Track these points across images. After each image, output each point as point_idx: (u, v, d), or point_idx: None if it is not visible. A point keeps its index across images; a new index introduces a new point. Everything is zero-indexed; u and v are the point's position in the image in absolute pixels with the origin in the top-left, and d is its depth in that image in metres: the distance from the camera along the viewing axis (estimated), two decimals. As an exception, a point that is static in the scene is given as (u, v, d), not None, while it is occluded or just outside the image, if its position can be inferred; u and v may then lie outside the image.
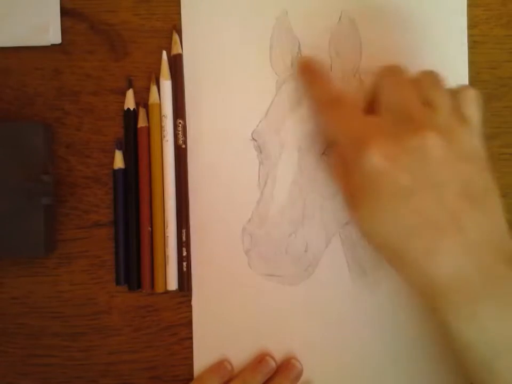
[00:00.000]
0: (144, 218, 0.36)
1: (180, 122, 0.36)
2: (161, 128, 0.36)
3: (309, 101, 0.36)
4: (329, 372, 0.37)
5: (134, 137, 0.36)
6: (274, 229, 0.36)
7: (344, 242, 0.37)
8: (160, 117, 0.36)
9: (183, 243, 0.36)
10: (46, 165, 0.35)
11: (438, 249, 0.28)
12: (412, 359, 0.36)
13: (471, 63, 0.37)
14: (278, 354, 0.37)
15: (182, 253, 0.36)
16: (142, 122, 0.36)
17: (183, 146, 0.36)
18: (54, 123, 0.37)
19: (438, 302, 0.29)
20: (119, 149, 0.36)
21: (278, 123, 0.36)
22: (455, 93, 0.31)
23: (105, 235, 0.37)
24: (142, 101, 0.36)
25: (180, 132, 0.36)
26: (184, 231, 0.36)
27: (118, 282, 0.36)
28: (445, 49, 0.37)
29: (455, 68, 0.37)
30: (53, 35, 0.36)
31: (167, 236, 0.36)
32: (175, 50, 0.36)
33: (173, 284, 0.36)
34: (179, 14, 0.36)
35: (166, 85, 0.36)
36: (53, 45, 0.36)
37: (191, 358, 0.37)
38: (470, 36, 0.37)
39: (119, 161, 0.36)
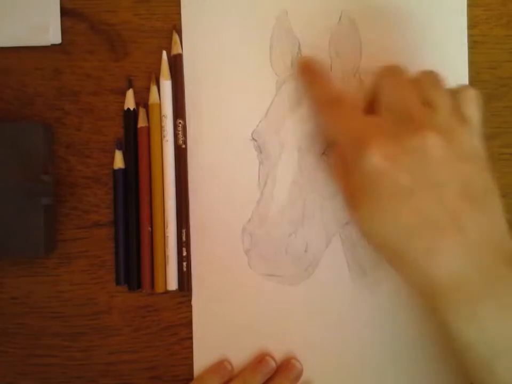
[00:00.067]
0: (144, 218, 0.36)
1: (179, 122, 0.36)
2: (161, 128, 0.36)
3: (309, 101, 0.36)
4: (329, 372, 0.37)
5: (134, 137, 0.36)
6: (274, 229, 0.36)
7: (344, 242, 0.37)
8: (160, 117, 0.36)
9: (183, 243, 0.36)
10: (46, 165, 0.35)
11: (438, 249, 0.28)
12: (412, 359, 0.36)
13: (471, 63, 0.37)
14: (278, 354, 0.37)
15: (182, 253, 0.36)
16: (142, 122, 0.36)
17: (183, 146, 0.36)
18: (54, 123, 0.37)
19: (438, 302, 0.29)
20: (119, 149, 0.36)
21: (278, 123, 0.36)
22: (455, 93, 0.31)
23: (105, 235, 0.37)
24: (142, 101, 0.36)
25: (180, 132, 0.36)
26: (184, 231, 0.36)
27: (118, 282, 0.36)
28: (445, 49, 0.37)
29: (455, 68, 0.37)
30: (53, 35, 0.36)
31: (167, 236, 0.36)
32: (175, 50, 0.36)
33: (173, 284, 0.36)
34: (179, 14, 0.36)
35: (166, 85, 0.36)
36: (53, 45, 0.36)
37: (191, 358, 0.37)
38: (470, 36, 0.37)
39: (119, 161, 0.36)
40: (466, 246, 0.28)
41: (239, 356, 0.36)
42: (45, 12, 0.36)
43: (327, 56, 0.36)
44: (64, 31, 0.36)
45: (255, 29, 0.36)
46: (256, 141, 0.36)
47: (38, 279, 0.37)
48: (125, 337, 0.37)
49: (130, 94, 0.36)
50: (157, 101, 0.36)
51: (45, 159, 0.35)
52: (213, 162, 0.37)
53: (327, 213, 0.36)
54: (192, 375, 0.37)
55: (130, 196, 0.36)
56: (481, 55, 0.37)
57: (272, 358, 0.36)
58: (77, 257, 0.37)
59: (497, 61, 0.37)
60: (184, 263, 0.36)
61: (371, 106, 0.32)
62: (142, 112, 0.36)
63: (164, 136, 0.36)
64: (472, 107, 0.31)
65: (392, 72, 0.32)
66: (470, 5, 0.37)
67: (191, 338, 0.37)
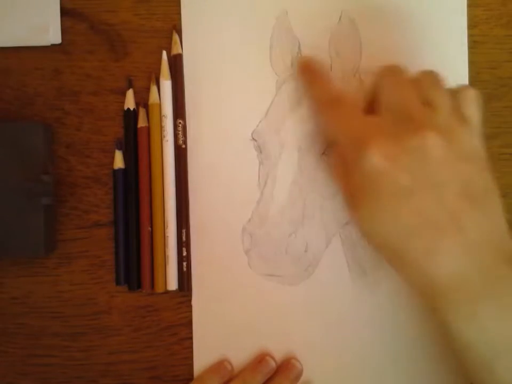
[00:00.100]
0: (144, 218, 0.36)
1: (180, 122, 0.36)
2: (161, 128, 0.36)
3: (309, 101, 0.36)
4: (329, 372, 0.37)
5: (134, 137, 0.36)
6: (274, 229, 0.36)
7: (344, 242, 0.37)
8: (160, 117, 0.36)
9: (183, 243, 0.36)
10: (46, 165, 0.35)
11: (438, 249, 0.28)
12: (412, 359, 0.36)
13: (471, 63, 0.37)
14: (278, 354, 0.37)
15: (182, 253, 0.36)
16: (142, 122, 0.36)
17: (183, 146, 0.36)
18: (54, 123, 0.37)
19: (438, 302, 0.29)
20: (119, 149, 0.36)
21: (278, 123, 0.36)
22: (455, 93, 0.31)
23: (105, 235, 0.37)
24: (142, 101, 0.36)
25: (180, 132, 0.36)
26: (184, 231, 0.36)
27: (118, 282, 0.36)
28: (445, 49, 0.37)
29: (455, 68, 0.37)
30: (53, 35, 0.36)
31: (167, 236, 0.36)
32: (175, 50, 0.36)
33: (173, 284, 0.36)
34: (179, 14, 0.36)
35: (166, 85, 0.36)
36: (53, 45, 0.36)
37: (191, 358, 0.37)
38: (470, 36, 0.37)
39: (119, 161, 0.36)
40: (466, 246, 0.28)
41: (239, 356, 0.36)
42: (45, 12, 0.36)
43: (327, 56, 0.36)
44: (64, 31, 0.36)
45: (255, 29, 0.36)
46: (256, 141, 0.36)
47: (38, 279, 0.37)
48: (125, 337, 0.37)
49: (130, 94, 0.36)
50: (157, 101, 0.36)
51: (45, 159, 0.35)
52: (213, 162, 0.37)
53: (327, 213, 0.36)
54: (192, 375, 0.37)
55: (130, 196, 0.36)
56: (481, 55, 0.37)
57: (272, 358, 0.36)
58: (77, 257, 0.37)
59: (497, 61, 0.37)
60: (184, 263, 0.36)
61: (371, 106, 0.32)
62: (142, 112, 0.36)
63: (164, 136, 0.36)
64: (472, 107, 0.31)
65: (392, 72, 0.32)
66: (470, 5, 0.37)
67: (191, 338, 0.37)
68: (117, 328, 0.37)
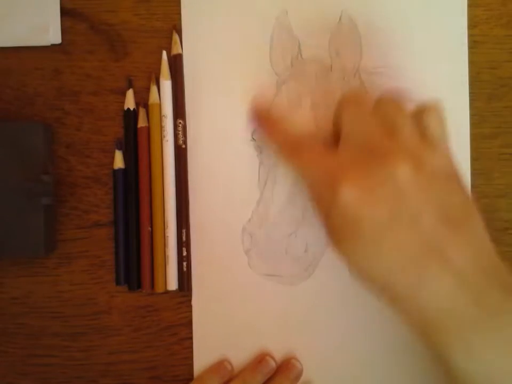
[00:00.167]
0: (144, 218, 0.36)
1: (180, 122, 0.36)
2: (161, 128, 0.36)
3: (271, 150, 0.35)
4: (329, 372, 0.37)
5: (134, 137, 0.36)
6: (274, 229, 0.36)
7: (344, 242, 0.36)
8: (160, 117, 0.36)
9: (183, 243, 0.36)
10: (46, 165, 0.35)
11: (425, 283, 0.27)
12: (412, 358, 0.36)
13: (471, 63, 0.37)
14: (278, 354, 0.37)
15: (182, 253, 0.36)
16: (142, 122, 0.36)
17: (183, 146, 0.36)
18: (54, 123, 0.37)
19: (432, 335, 0.28)
20: (119, 149, 0.36)
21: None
22: (417, 114, 0.30)
23: (105, 235, 0.37)
24: (142, 101, 0.36)
25: (180, 132, 0.36)
26: (184, 231, 0.36)
27: (118, 282, 0.36)
28: (445, 49, 0.37)
29: (455, 68, 0.37)
30: (53, 35, 0.36)
31: (167, 236, 0.36)
32: (175, 50, 0.36)
33: (173, 284, 0.36)
34: (179, 14, 0.36)
35: (166, 85, 0.36)
36: (53, 45, 0.36)
37: (191, 358, 0.37)
38: (470, 36, 0.37)
39: (119, 161, 0.36)
40: (455, 277, 0.27)
41: (239, 356, 0.36)
42: (45, 12, 0.36)
43: (327, 56, 0.36)
44: (64, 31, 0.36)
45: (255, 29, 0.36)
46: (256, 141, 0.36)
47: (38, 279, 0.37)
48: (125, 337, 0.37)
49: (130, 94, 0.36)
50: (157, 101, 0.36)
51: (45, 159, 0.35)
52: (213, 162, 0.37)
53: (327, 213, 0.36)
54: (192, 375, 0.37)
55: (130, 196, 0.36)
56: (481, 55, 0.37)
57: (272, 358, 0.36)
58: (77, 257, 0.37)
59: (497, 61, 0.37)
60: (184, 263, 0.36)
61: (335, 138, 0.32)
62: (142, 112, 0.36)
63: (164, 136, 0.36)
64: (436, 125, 0.30)
65: (352, 102, 0.31)
66: (470, 5, 0.37)
67: (191, 338, 0.37)
68: (117, 328, 0.37)
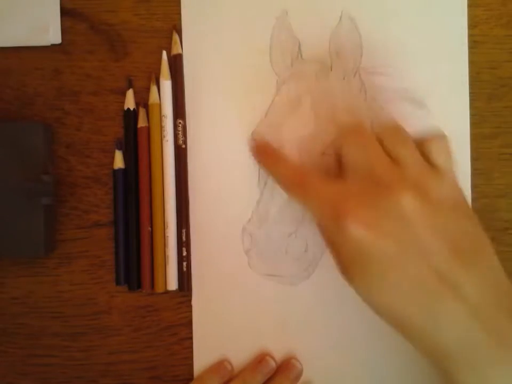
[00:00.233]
0: (144, 218, 0.36)
1: (179, 122, 0.36)
2: (161, 128, 0.36)
3: (274, 183, 0.35)
4: (329, 372, 0.37)
5: (134, 137, 0.36)
6: (274, 229, 0.36)
7: (344, 242, 0.36)
8: (160, 117, 0.36)
9: (183, 243, 0.36)
10: (46, 165, 0.35)
11: (438, 315, 0.27)
12: (413, 358, 0.36)
13: (471, 63, 0.37)
14: (278, 354, 0.37)
15: (182, 253, 0.36)
16: (142, 122, 0.36)
17: (183, 146, 0.36)
18: (54, 123, 0.37)
19: (447, 365, 0.28)
20: (119, 149, 0.36)
21: (278, 123, 0.36)
22: (422, 143, 0.30)
23: (105, 235, 0.37)
24: (142, 101, 0.36)
25: (180, 132, 0.36)
26: (184, 231, 0.36)
27: (118, 282, 0.36)
28: (445, 49, 0.36)
29: (455, 68, 0.37)
30: (53, 35, 0.36)
31: (167, 236, 0.36)
32: (175, 50, 0.36)
33: (173, 284, 0.36)
34: (179, 14, 0.36)
35: (166, 85, 0.36)
36: (53, 45, 0.36)
37: (191, 358, 0.37)
38: (470, 36, 0.37)
39: (119, 161, 0.36)
40: (468, 308, 0.27)
41: (239, 356, 0.36)
42: (45, 12, 0.36)
43: (327, 56, 0.36)
44: (64, 31, 0.36)
45: (255, 29, 0.36)
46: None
47: (38, 279, 0.37)
48: (125, 337, 0.37)
49: (130, 94, 0.36)
50: (157, 101, 0.36)
51: (45, 159, 0.35)
52: (213, 162, 0.37)
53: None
54: (192, 375, 0.37)
55: (130, 196, 0.36)
56: (481, 55, 0.37)
57: (272, 358, 0.36)
58: (77, 257, 0.37)
59: (497, 61, 0.37)
60: (184, 263, 0.36)
61: (340, 171, 0.31)
62: (142, 112, 0.36)
63: (164, 136, 0.36)
64: (442, 154, 0.30)
65: (355, 132, 0.31)
66: (470, 5, 0.37)
67: (191, 338, 0.37)
68: (117, 328, 0.37)
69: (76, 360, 0.37)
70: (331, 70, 0.36)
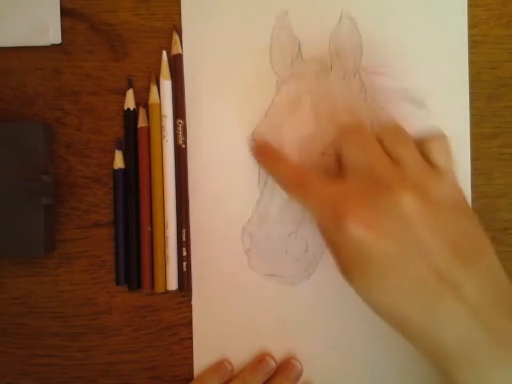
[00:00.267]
0: (144, 218, 0.36)
1: (179, 122, 0.36)
2: (161, 128, 0.36)
3: (274, 182, 0.35)
4: (329, 372, 0.37)
5: (134, 137, 0.36)
6: (274, 229, 0.36)
7: (344, 242, 0.36)
8: (160, 117, 0.36)
9: (183, 243, 0.36)
10: (46, 165, 0.35)
11: (438, 315, 0.27)
12: (413, 359, 0.36)
13: (471, 63, 0.37)
14: (278, 354, 0.37)
15: (182, 253, 0.36)
16: (142, 122, 0.36)
17: (183, 146, 0.36)
18: (54, 123, 0.37)
19: (447, 365, 0.28)
20: (119, 149, 0.36)
21: (278, 123, 0.36)
22: (422, 143, 0.30)
23: (105, 235, 0.37)
24: (142, 101, 0.36)
25: (180, 132, 0.36)
26: (184, 231, 0.36)
27: (118, 282, 0.36)
28: (445, 49, 0.37)
29: (455, 68, 0.37)
30: (53, 35, 0.36)
31: (167, 236, 0.36)
32: (175, 50, 0.36)
33: (173, 284, 0.36)
34: (179, 14, 0.36)
35: (166, 85, 0.36)
36: (53, 45, 0.36)
37: (191, 358, 0.37)
38: (470, 36, 0.37)
39: (119, 161, 0.36)
40: (468, 308, 0.27)
41: (239, 356, 0.36)
42: (45, 12, 0.36)
43: (327, 56, 0.36)
44: (64, 31, 0.36)
45: (255, 29, 0.36)
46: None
47: (38, 279, 0.37)
48: (125, 337, 0.37)
49: (130, 94, 0.36)
50: (157, 101, 0.36)
51: (45, 159, 0.35)
52: (213, 162, 0.37)
53: (327, 213, 0.36)
54: (192, 375, 0.37)
55: (130, 196, 0.36)
56: (481, 55, 0.37)
57: (272, 358, 0.36)
58: (77, 257, 0.37)
59: (497, 61, 0.37)
60: (184, 263, 0.36)
61: (340, 170, 0.31)
62: (142, 112, 0.36)
63: (164, 136, 0.36)
64: (442, 154, 0.30)
65: (355, 132, 0.31)
66: (470, 5, 0.37)
67: (191, 338, 0.37)
68: (117, 328, 0.37)
69: (76, 360, 0.37)
70: (331, 70, 0.36)
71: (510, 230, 0.37)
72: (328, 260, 0.36)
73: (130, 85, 0.36)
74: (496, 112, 0.37)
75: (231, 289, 0.36)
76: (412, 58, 0.36)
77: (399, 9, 0.36)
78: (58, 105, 0.37)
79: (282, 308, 0.36)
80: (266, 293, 0.36)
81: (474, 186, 0.36)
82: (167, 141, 0.36)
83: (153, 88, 0.36)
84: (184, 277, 0.36)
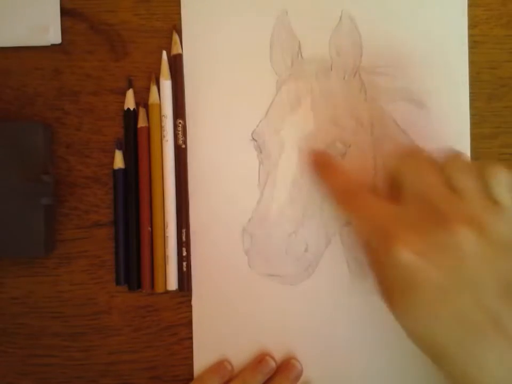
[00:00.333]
0: (144, 218, 0.36)
1: (179, 122, 0.36)
2: (161, 128, 0.36)
3: (326, 194, 0.35)
4: (329, 372, 0.37)
5: (134, 137, 0.36)
6: (274, 229, 0.36)
7: (344, 242, 0.36)
8: (160, 117, 0.36)
9: (183, 243, 0.36)
10: (46, 165, 0.35)
11: (480, 354, 0.27)
12: (413, 359, 0.36)
13: (471, 63, 0.37)
14: (278, 354, 0.37)
15: (182, 253, 0.36)
16: (142, 122, 0.36)
17: (183, 146, 0.36)
18: (54, 123, 0.37)
19: None
20: (119, 149, 0.36)
21: (278, 123, 0.36)
22: (481, 172, 0.29)
23: (105, 235, 0.37)
24: (142, 101, 0.36)
25: (180, 132, 0.36)
26: (184, 231, 0.36)
27: (118, 282, 0.36)
28: (445, 49, 0.37)
29: (455, 68, 0.37)
30: (53, 35, 0.36)
31: (167, 236, 0.36)
32: (175, 50, 0.36)
33: (173, 284, 0.36)
34: (179, 14, 0.36)
35: (166, 85, 0.36)
36: (53, 45, 0.36)
37: (191, 358, 0.37)
38: (470, 36, 0.37)
39: (119, 161, 0.36)
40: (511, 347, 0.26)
41: (239, 356, 0.36)
42: (45, 12, 0.36)
43: (328, 56, 0.36)
44: (64, 31, 0.36)
45: (255, 29, 0.36)
46: (256, 141, 0.36)
47: (38, 279, 0.37)
48: (125, 337, 0.37)
49: (130, 94, 0.36)
50: (157, 101, 0.36)
51: (45, 159, 0.35)
52: (213, 162, 0.37)
53: (327, 213, 0.36)
54: (192, 375, 0.37)
55: (130, 196, 0.36)
56: (481, 55, 0.37)
57: (272, 358, 0.36)
58: (77, 257, 0.37)
59: (497, 61, 0.37)
60: (184, 263, 0.36)
61: (391, 192, 0.31)
62: (142, 112, 0.36)
63: (164, 136, 0.36)
64: (503, 187, 0.28)
65: (413, 156, 0.30)
66: (470, 5, 0.37)
67: (191, 338, 0.37)
68: (117, 328, 0.37)
69: (76, 360, 0.37)
70: (331, 70, 0.36)
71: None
72: (328, 260, 0.36)
73: (130, 85, 0.36)
74: (496, 112, 0.37)
75: (231, 289, 0.36)
76: (412, 58, 0.36)
77: (399, 9, 0.36)
78: (58, 105, 0.37)
79: (282, 308, 0.36)
80: (266, 293, 0.36)
81: (474, 186, 0.36)
82: (167, 141, 0.36)
83: (153, 88, 0.36)
84: (184, 277, 0.36)
